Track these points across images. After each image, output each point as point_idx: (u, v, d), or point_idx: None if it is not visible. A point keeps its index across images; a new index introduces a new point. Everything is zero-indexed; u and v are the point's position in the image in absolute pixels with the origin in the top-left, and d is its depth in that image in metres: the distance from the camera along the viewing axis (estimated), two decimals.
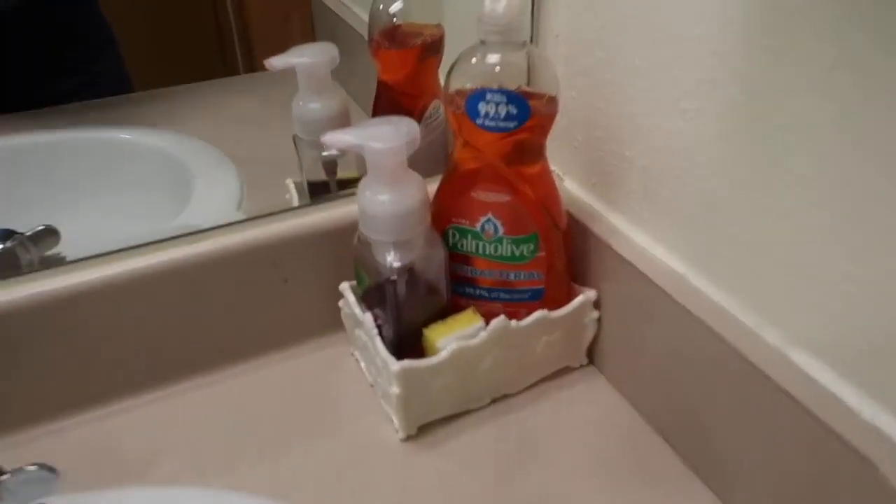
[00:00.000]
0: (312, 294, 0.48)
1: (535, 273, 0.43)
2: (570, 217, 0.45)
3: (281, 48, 0.64)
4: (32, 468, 0.34)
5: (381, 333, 0.42)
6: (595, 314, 0.45)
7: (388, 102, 0.51)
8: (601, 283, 0.44)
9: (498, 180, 0.40)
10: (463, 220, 0.42)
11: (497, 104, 0.38)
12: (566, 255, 0.43)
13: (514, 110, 0.38)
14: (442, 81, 0.51)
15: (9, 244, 0.46)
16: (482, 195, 0.41)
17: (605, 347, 0.46)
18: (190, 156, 0.59)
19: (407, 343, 0.42)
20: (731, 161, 0.34)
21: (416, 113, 0.51)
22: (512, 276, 0.43)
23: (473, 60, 0.38)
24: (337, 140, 0.38)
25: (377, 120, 0.39)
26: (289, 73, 0.48)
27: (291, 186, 0.54)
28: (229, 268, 0.45)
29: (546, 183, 0.42)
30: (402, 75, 0.50)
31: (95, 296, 0.42)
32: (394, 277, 0.40)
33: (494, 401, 0.45)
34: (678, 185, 0.38)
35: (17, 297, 0.41)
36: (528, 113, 0.38)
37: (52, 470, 0.34)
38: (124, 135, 0.60)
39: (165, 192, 0.58)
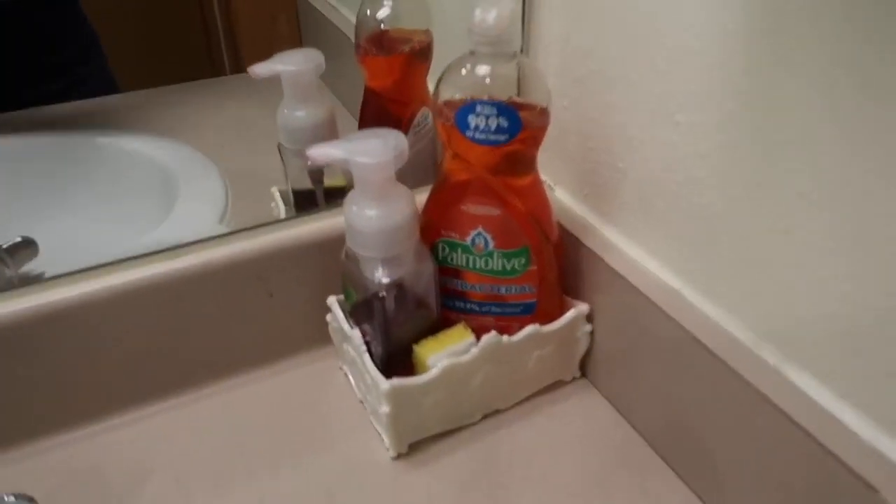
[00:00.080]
0: (299, 308, 0.47)
1: (527, 287, 0.42)
2: (562, 229, 0.44)
3: (268, 47, 0.63)
4: (11, 499, 0.33)
5: (369, 350, 0.41)
6: (588, 328, 0.44)
7: (375, 109, 0.50)
8: (594, 295, 0.44)
9: (488, 193, 0.39)
10: (453, 234, 0.41)
11: (487, 117, 0.37)
12: (558, 268, 0.43)
13: (504, 123, 0.37)
14: (431, 89, 0.51)
15: None
16: (472, 209, 0.40)
17: (598, 361, 0.45)
18: (173, 161, 0.58)
19: (396, 359, 0.41)
20: (729, 176, 0.34)
21: (404, 120, 0.50)
22: (503, 290, 0.42)
23: (463, 71, 0.37)
24: (323, 154, 0.36)
25: (364, 133, 0.38)
26: (275, 75, 0.47)
27: (277, 195, 0.53)
28: (213, 282, 0.44)
29: (537, 195, 0.41)
30: (389, 82, 0.49)
31: (75, 313, 0.41)
32: (382, 294, 0.39)
33: (486, 416, 0.44)
34: (673, 198, 0.37)
35: None
36: (520, 126, 0.37)
37: (31, 500, 0.33)
38: (104, 139, 0.58)
39: (148, 198, 0.57)
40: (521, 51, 0.45)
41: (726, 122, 0.33)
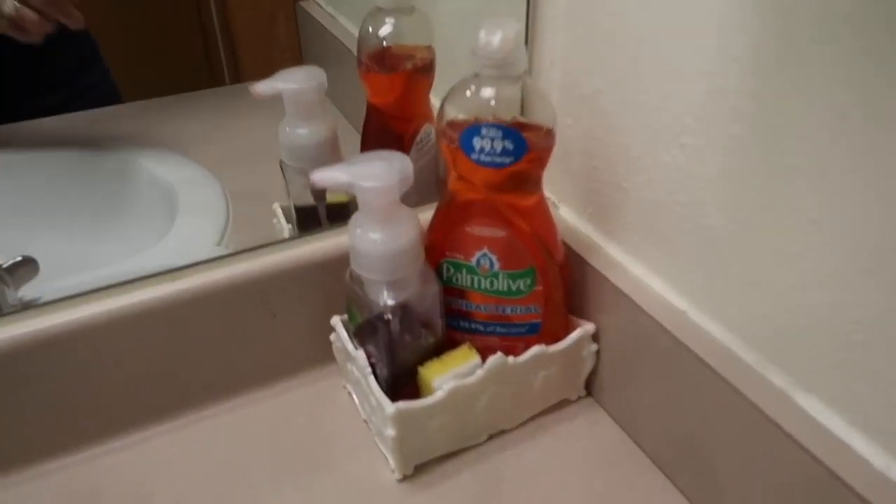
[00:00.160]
0: (302, 327, 0.47)
1: (533, 307, 0.42)
2: (567, 247, 0.44)
3: (267, 56, 0.63)
4: None
5: (374, 372, 0.41)
6: (593, 347, 0.44)
7: (378, 126, 0.50)
8: (599, 315, 0.43)
9: (493, 215, 0.39)
10: (458, 255, 0.41)
11: (493, 139, 0.36)
12: (564, 288, 0.42)
13: (510, 145, 0.36)
14: (433, 103, 0.50)
15: None
16: (477, 230, 0.40)
17: (603, 380, 0.45)
18: (174, 175, 0.58)
19: (401, 381, 0.41)
20: (736, 200, 0.34)
21: (407, 137, 0.49)
22: (508, 311, 0.42)
23: (468, 93, 0.37)
24: (327, 178, 0.36)
25: (369, 155, 0.38)
26: (277, 94, 0.47)
27: (278, 210, 0.52)
28: (215, 304, 0.44)
29: (542, 215, 0.41)
30: (391, 99, 0.49)
31: (76, 336, 0.41)
32: (388, 316, 0.39)
33: (492, 437, 0.44)
34: (678, 220, 0.37)
35: None
36: (525, 148, 0.37)
37: None
38: (104, 152, 0.58)
39: (148, 213, 0.57)
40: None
41: (733, 145, 0.33)
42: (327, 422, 0.45)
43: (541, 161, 0.39)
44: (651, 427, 0.42)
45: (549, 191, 0.45)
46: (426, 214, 0.42)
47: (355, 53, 0.48)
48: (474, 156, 0.37)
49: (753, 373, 0.34)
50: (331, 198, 0.51)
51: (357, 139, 0.51)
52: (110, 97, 0.57)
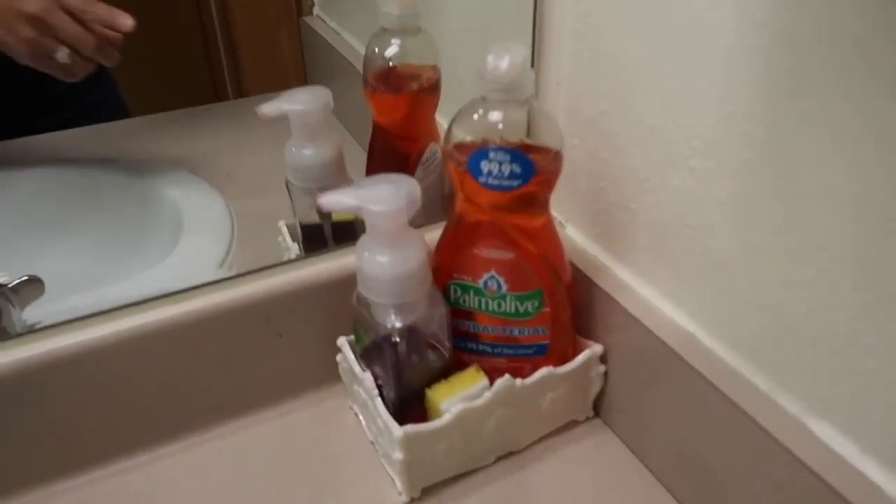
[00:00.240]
0: (308, 348, 0.46)
1: (540, 328, 0.41)
2: (575, 268, 0.43)
3: (270, 70, 0.63)
4: None
5: (381, 394, 0.41)
6: (601, 368, 0.44)
7: (383, 146, 0.50)
8: (607, 336, 0.43)
9: (501, 237, 0.39)
10: (465, 277, 0.41)
11: (500, 163, 0.36)
12: (571, 309, 0.42)
13: (517, 169, 0.36)
14: (438, 122, 0.50)
15: None
16: (485, 252, 0.40)
17: (612, 401, 0.45)
18: (179, 192, 0.58)
19: (409, 403, 0.41)
20: (746, 224, 0.33)
21: (412, 157, 0.49)
22: (516, 332, 0.42)
23: (475, 116, 0.37)
24: (335, 202, 0.36)
25: (376, 178, 0.37)
26: (283, 115, 0.47)
27: (284, 229, 0.52)
28: (221, 325, 0.43)
29: (549, 236, 0.41)
30: (397, 118, 0.49)
31: (82, 359, 0.41)
32: (395, 339, 0.39)
33: (500, 459, 0.43)
34: (687, 243, 0.37)
35: None
36: (533, 171, 0.37)
37: None
38: (110, 169, 0.58)
39: (154, 230, 0.57)
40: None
41: (743, 169, 0.33)
42: (334, 443, 0.45)
43: (548, 183, 0.39)
44: (659, 448, 0.42)
45: (555, 210, 0.45)
46: (433, 234, 0.42)
47: (358, 68, 0.48)
48: (482, 179, 0.37)
49: (764, 397, 0.34)
50: (336, 216, 0.51)
51: (362, 155, 0.51)
52: (118, 112, 0.57)
